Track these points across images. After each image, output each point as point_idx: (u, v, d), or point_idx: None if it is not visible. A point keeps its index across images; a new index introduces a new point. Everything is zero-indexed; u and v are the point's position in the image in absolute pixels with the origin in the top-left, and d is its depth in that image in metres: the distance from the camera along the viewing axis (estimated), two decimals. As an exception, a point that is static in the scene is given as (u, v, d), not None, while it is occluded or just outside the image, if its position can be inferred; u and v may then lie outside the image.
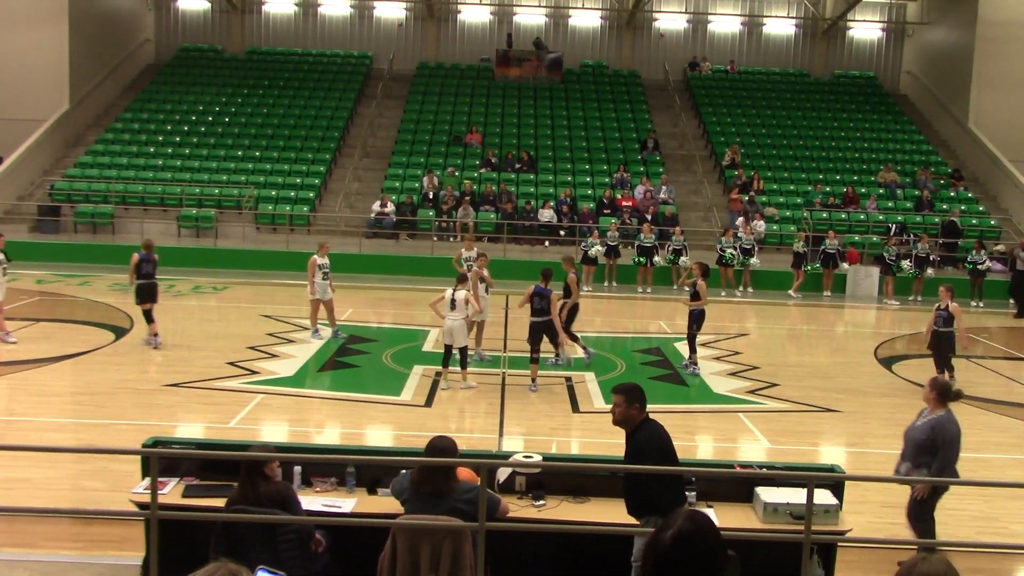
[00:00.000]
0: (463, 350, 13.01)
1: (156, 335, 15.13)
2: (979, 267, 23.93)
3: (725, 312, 22.12)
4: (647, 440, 6.05)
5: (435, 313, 13.42)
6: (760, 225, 26.22)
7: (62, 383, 13.07)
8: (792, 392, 13.73)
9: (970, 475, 10.61)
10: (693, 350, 14.70)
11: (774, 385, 14.11)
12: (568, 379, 13.90)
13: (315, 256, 15.98)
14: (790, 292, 23.83)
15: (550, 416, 12.11)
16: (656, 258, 23.92)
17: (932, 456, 7.47)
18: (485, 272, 16.45)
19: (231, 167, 28.83)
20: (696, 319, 14.51)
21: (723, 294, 23.49)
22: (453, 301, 12.87)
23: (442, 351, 13.38)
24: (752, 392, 13.66)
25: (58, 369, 13.68)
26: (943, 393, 7.65)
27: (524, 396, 12.91)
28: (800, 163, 30.60)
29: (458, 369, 13.17)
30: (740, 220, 25.90)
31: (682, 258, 23.88)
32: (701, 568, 3.05)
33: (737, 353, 16.48)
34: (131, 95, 32.79)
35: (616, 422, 6.13)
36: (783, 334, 19.70)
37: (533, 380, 13.16)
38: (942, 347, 13.99)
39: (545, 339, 13.40)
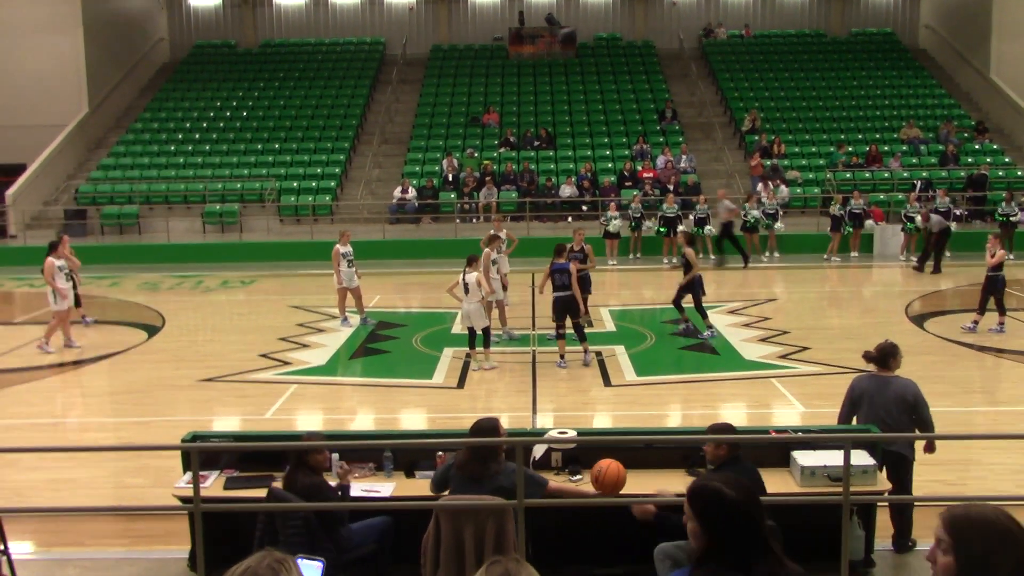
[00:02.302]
0: (485, 331, 13.01)
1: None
2: (1011, 219, 23.59)
3: (752, 278, 21.98)
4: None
5: (453, 298, 13.43)
6: (783, 189, 26.00)
7: (100, 383, 13.23)
8: (824, 355, 13.65)
9: (1009, 429, 10.53)
10: (704, 315, 14.92)
11: (805, 349, 14.03)
12: (599, 353, 13.90)
13: (337, 245, 16.03)
14: (825, 256, 23.63)
15: (582, 391, 12.12)
16: (680, 228, 23.78)
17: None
18: (503, 233, 16.47)
19: (252, 161, 28.95)
20: (698, 285, 14.75)
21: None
22: (466, 285, 12.86)
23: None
24: (783, 357, 13.60)
25: (95, 369, 13.84)
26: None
27: (554, 373, 12.92)
28: (821, 124, 30.28)
29: (478, 348, 13.17)
30: (762, 185, 25.69)
31: (706, 227, 23.74)
32: (745, 530, 3.00)
33: (766, 318, 16.41)
34: (149, 95, 32.97)
35: (708, 460, 6.24)
36: (812, 297, 19.57)
37: (561, 356, 13.15)
38: (992, 290, 14.81)
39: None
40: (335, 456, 6.82)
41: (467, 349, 13.46)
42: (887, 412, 7.06)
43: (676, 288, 15.05)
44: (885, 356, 7.28)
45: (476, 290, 12.77)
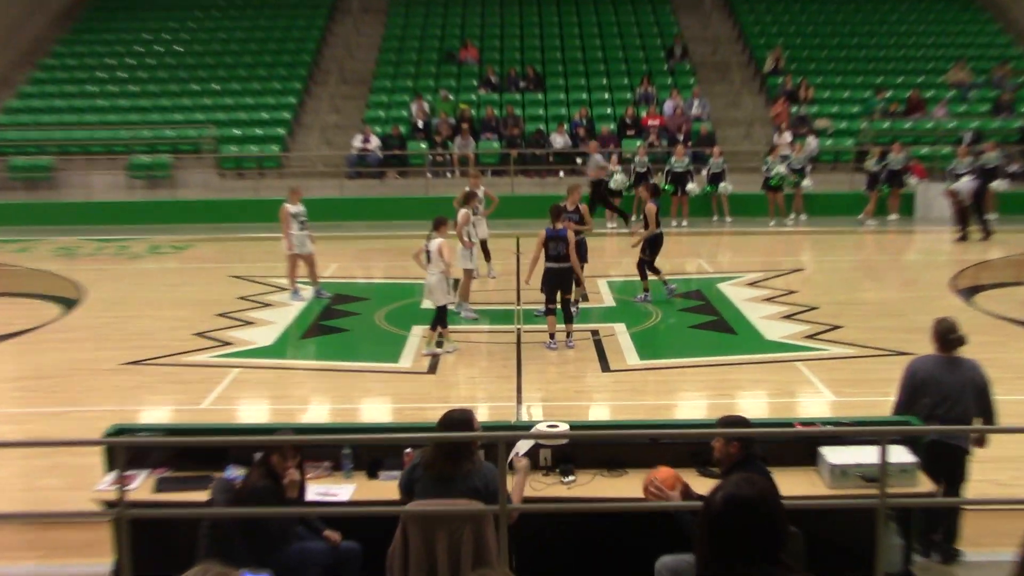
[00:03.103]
0: (441, 310, 12.90)
1: None
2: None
3: (776, 244, 22.03)
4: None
5: (418, 264, 13.34)
6: (811, 141, 26.03)
7: (5, 367, 13.15)
8: (858, 334, 13.71)
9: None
10: (643, 276, 15.51)
11: (836, 327, 14.09)
12: (595, 332, 13.92)
13: (287, 204, 15.95)
14: (860, 218, 23.69)
15: (575, 377, 12.14)
16: (691, 185, 23.80)
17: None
18: (481, 191, 16.47)
19: (187, 104, 28.71)
20: (650, 245, 15.30)
21: (771, 223, 23.43)
22: (427, 252, 12.77)
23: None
24: (811, 337, 13.66)
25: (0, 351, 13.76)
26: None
27: (543, 355, 12.93)
28: (855, 65, 30.26)
29: (464, 326, 13.12)
30: (787, 136, 25.69)
31: (722, 184, 23.77)
32: (757, 538, 3.10)
33: (792, 292, 16.46)
34: (64, 26, 32.55)
35: (716, 460, 6.23)
36: (844, 267, 19.64)
37: (551, 336, 13.15)
38: None
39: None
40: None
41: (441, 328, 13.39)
42: (957, 399, 7.11)
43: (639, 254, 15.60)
44: (946, 334, 7.31)
45: (438, 260, 12.65)
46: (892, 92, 28.53)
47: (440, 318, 12.88)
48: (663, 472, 6.21)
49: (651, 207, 15.23)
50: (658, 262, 15.60)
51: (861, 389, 11.53)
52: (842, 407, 10.79)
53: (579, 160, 26.22)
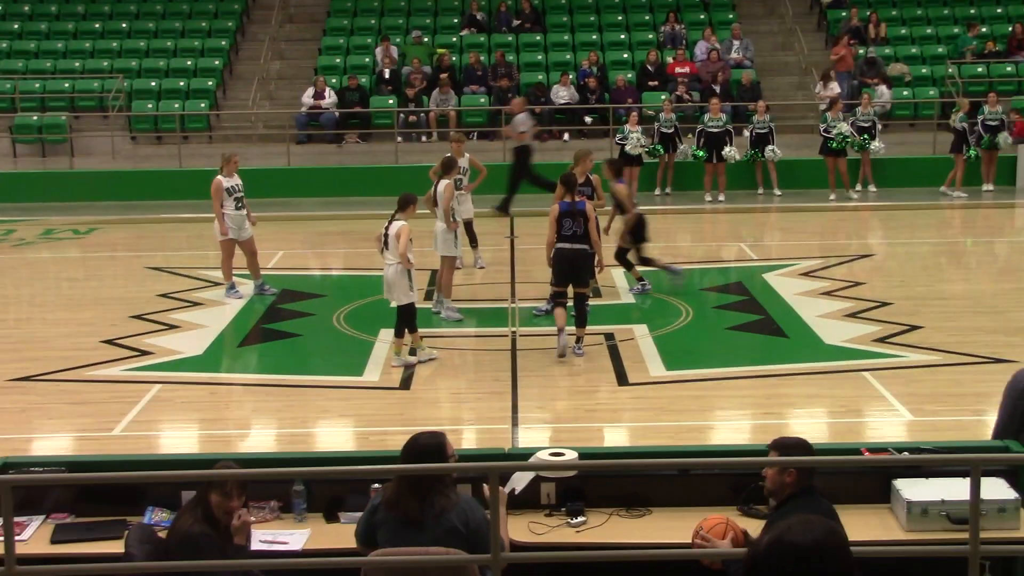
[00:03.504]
0: (401, 309, 12.86)
1: None
2: None
3: (837, 224, 22.08)
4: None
5: (379, 254, 13.30)
6: (884, 92, 26.07)
7: None
8: (942, 337, 13.74)
9: None
10: (628, 266, 15.84)
11: (915, 328, 14.12)
12: (610, 336, 13.94)
13: (219, 176, 15.93)
14: (943, 189, 23.73)
15: (586, 393, 12.17)
16: (728, 149, 23.82)
17: None
18: (465, 159, 16.55)
19: (87, 48, 28.71)
20: (636, 229, 15.46)
21: (832, 197, 23.43)
22: (386, 236, 12.73)
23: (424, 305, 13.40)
24: (883, 340, 13.68)
25: None
26: None
27: (547, 364, 12.96)
28: (940, -7, 30.33)
29: (446, 329, 13.07)
30: (834, 87, 25.72)
31: (769, 147, 23.78)
32: None
33: (857, 284, 16.49)
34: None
35: (768, 491, 6.28)
36: (924, 252, 19.69)
37: (561, 331, 13.01)
38: None
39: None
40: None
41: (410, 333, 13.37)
42: None
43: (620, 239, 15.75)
44: None
45: (395, 247, 12.55)
46: (988, 27, 28.58)
47: (406, 320, 12.83)
48: (711, 520, 6.23)
49: (620, 187, 15.33)
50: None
51: (947, 406, 11.56)
52: (923, 429, 10.82)
53: (588, 119, 26.25)
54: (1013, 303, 15.49)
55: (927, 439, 9.54)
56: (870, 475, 7.02)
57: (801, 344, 13.76)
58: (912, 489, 6.77)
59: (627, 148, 23.42)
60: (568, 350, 13.09)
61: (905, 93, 26.92)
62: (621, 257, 15.78)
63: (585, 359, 13.08)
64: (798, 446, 6.36)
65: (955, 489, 6.65)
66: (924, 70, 27.75)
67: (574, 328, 13.17)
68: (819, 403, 11.88)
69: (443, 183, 14.65)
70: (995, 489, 6.68)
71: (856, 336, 13.89)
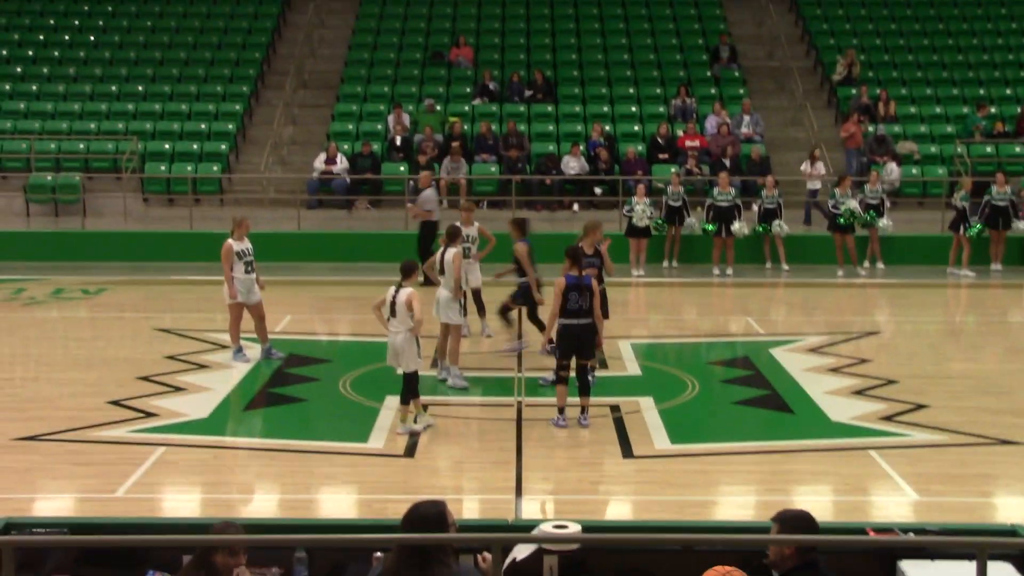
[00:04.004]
0: (407, 377, 12.94)
1: None
2: None
3: (845, 300, 22.07)
4: None
5: (379, 320, 13.37)
6: (892, 169, 26.17)
7: None
8: (949, 416, 13.70)
9: None
10: (508, 322, 16.42)
11: (921, 407, 14.09)
12: (615, 408, 13.92)
13: (230, 240, 15.99)
14: (950, 269, 23.74)
15: (590, 465, 12.13)
16: (737, 224, 23.89)
17: None
18: (474, 228, 16.89)
19: (102, 110, 28.90)
20: (522, 295, 15.78)
21: (840, 273, 23.45)
22: (393, 304, 12.80)
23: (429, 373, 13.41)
24: (889, 419, 13.65)
25: None
26: None
27: (550, 436, 12.93)
28: (950, 73, 30.50)
29: (451, 397, 13.06)
30: (819, 167, 25.84)
31: (776, 222, 23.83)
32: None
33: (864, 361, 16.48)
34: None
35: (770, 563, 6.28)
36: (932, 330, 19.68)
37: (561, 411, 13.14)
38: None
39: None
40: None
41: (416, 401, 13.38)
42: None
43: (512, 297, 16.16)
44: None
45: (405, 316, 12.63)
46: (997, 107, 28.72)
47: (411, 387, 12.87)
48: (718, 570, 6.21)
49: (520, 247, 15.49)
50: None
51: (953, 487, 11.51)
52: (929, 509, 10.77)
53: (597, 190, 26.34)
54: (1021, 383, 15.45)
55: (933, 520, 9.47)
56: (875, 555, 6.99)
57: (807, 420, 13.73)
58: (918, 571, 6.74)
59: (633, 220, 23.50)
60: (572, 421, 13.09)
61: (914, 171, 27.02)
62: (503, 313, 16.20)
63: (590, 430, 13.06)
64: (801, 518, 6.34)
65: (961, 572, 6.60)
66: (933, 149, 27.88)
67: (578, 399, 13.20)
68: (825, 480, 11.85)
69: (450, 251, 14.71)
70: (1002, 574, 6.64)
71: (862, 414, 13.86)
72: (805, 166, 26.20)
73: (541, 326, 15.37)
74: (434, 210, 21.83)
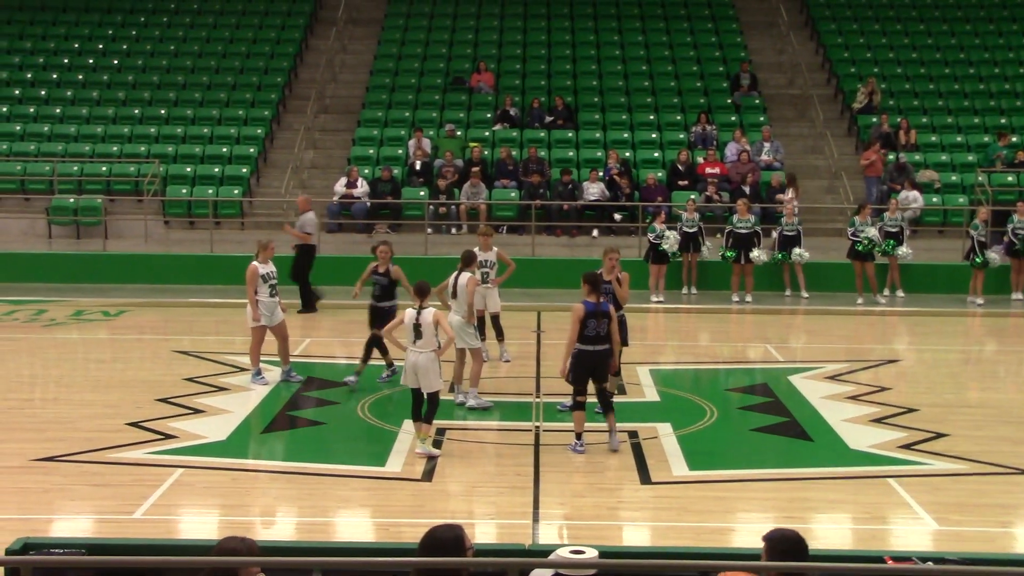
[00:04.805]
0: (432, 396, 12.98)
1: None
2: None
3: (864, 328, 22.01)
4: None
5: (393, 343, 13.42)
6: (913, 197, 26.12)
7: None
8: (969, 446, 13.65)
9: None
10: (383, 351, 16.07)
11: (941, 436, 14.04)
12: (633, 434, 13.91)
13: (255, 263, 16.03)
14: (969, 299, 23.69)
15: (608, 490, 12.10)
16: (756, 252, 23.88)
17: None
18: (492, 253, 17.01)
19: (124, 133, 29.06)
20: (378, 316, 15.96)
21: (859, 301, 23.42)
22: (417, 326, 12.86)
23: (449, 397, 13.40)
24: (908, 447, 13.61)
25: None
26: None
27: (567, 461, 12.92)
28: (971, 102, 30.48)
29: (470, 421, 13.06)
30: (883, 190, 25.79)
31: (796, 250, 23.81)
32: None
33: (883, 389, 16.43)
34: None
35: None
36: (951, 359, 19.62)
37: (578, 437, 13.15)
38: None
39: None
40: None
41: (440, 423, 13.43)
42: None
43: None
44: None
45: (432, 336, 12.71)
46: (1018, 136, 28.67)
47: (436, 406, 12.93)
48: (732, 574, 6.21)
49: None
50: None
51: (973, 516, 11.45)
52: (948, 539, 10.71)
53: (617, 216, 26.35)
54: (1040, 413, 15.41)
55: (952, 549, 9.42)
56: (893, 584, 6.96)
57: (826, 448, 13.68)
58: (936, 600, 6.70)
59: (664, 246, 23.46)
60: (591, 447, 13.08)
61: (935, 200, 26.98)
62: (374, 342, 16.13)
63: (608, 456, 13.04)
64: (788, 539, 6.28)
65: (979, 601, 6.58)
66: (954, 177, 27.85)
67: (604, 422, 13.21)
68: (843, 508, 11.79)
69: (464, 276, 14.75)
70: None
71: (881, 442, 13.81)
72: (788, 194, 25.85)
73: (383, 351, 15.89)
74: (313, 233, 22.07)
